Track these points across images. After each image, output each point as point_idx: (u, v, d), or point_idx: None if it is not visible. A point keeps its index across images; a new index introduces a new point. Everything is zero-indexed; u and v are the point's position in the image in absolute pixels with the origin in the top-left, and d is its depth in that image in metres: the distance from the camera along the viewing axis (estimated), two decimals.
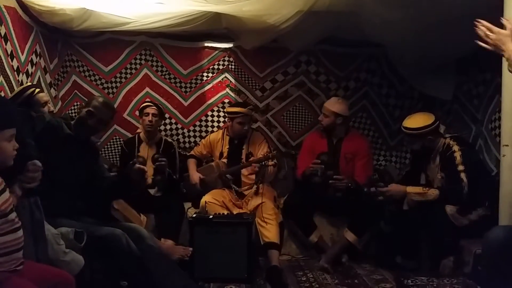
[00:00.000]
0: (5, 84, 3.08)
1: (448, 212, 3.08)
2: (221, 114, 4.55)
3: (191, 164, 4.03)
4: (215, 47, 4.55)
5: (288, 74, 4.63)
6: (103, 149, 4.41)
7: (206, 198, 3.59)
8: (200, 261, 3.15)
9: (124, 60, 4.47)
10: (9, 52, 3.17)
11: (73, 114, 3.97)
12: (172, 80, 4.55)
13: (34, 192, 1.90)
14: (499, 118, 2.96)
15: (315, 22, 3.59)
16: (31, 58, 3.56)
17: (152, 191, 3.79)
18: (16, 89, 3.09)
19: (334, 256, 3.50)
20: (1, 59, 3.07)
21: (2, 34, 3.09)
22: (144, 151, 3.91)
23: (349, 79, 4.66)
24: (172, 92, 4.55)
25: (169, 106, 4.52)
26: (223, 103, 4.54)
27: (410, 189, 3.22)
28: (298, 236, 3.79)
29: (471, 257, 2.92)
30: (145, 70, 4.51)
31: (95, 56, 4.41)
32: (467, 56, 3.84)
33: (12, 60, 3.21)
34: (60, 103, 4.19)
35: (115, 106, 4.31)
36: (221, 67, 4.58)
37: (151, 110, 3.88)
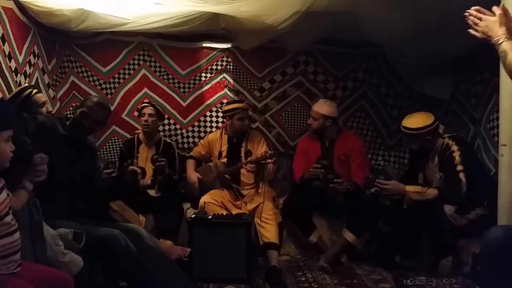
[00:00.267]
0: (3, 85, 3.07)
1: (447, 212, 3.08)
2: (220, 114, 4.55)
3: (190, 164, 4.03)
4: (213, 48, 4.56)
5: (286, 74, 4.63)
6: (101, 150, 4.41)
7: (205, 198, 3.59)
8: (199, 262, 3.14)
9: (122, 60, 4.47)
10: (7, 53, 3.17)
11: (71, 115, 3.96)
12: (171, 81, 4.55)
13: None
14: (497, 118, 2.97)
15: (313, 23, 3.60)
16: (29, 59, 3.55)
17: (151, 192, 3.78)
18: (14, 90, 3.09)
19: (333, 256, 3.50)
20: None
21: (0, 35, 3.08)
22: (144, 152, 3.92)
23: (347, 79, 4.66)
24: (171, 92, 4.55)
25: (168, 106, 4.52)
26: (222, 103, 4.53)
27: (409, 188, 3.22)
28: (297, 236, 3.79)
29: (470, 257, 2.91)
30: (143, 71, 4.51)
31: (93, 56, 4.40)
32: (465, 56, 3.84)
33: (10, 61, 3.20)
34: (58, 104, 4.19)
35: (114, 106, 4.35)
36: (219, 67, 4.58)
37: (148, 110, 3.88)
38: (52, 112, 3.30)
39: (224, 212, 3.48)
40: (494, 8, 1.98)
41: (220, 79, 4.59)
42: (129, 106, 4.50)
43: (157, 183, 3.77)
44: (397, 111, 4.68)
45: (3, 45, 3.13)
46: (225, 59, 4.58)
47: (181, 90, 4.57)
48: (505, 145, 2.59)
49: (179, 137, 4.58)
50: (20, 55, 3.40)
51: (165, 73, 4.53)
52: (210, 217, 3.31)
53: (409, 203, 3.21)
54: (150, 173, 3.73)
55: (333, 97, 4.54)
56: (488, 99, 3.66)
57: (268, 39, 4.13)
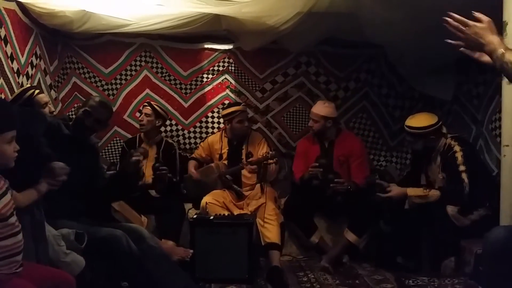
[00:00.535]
0: (5, 86, 3.08)
1: (449, 213, 3.08)
2: None
3: (191, 164, 4.04)
4: (215, 49, 4.56)
5: (288, 75, 4.64)
6: (103, 151, 4.42)
7: (206, 199, 3.59)
8: (201, 262, 3.14)
9: (124, 61, 4.48)
10: (9, 54, 3.18)
11: (73, 116, 3.97)
12: (172, 82, 4.56)
13: None
14: (500, 119, 2.96)
15: (315, 24, 3.60)
16: (31, 60, 3.56)
17: (152, 192, 3.79)
18: (16, 91, 3.10)
19: (335, 257, 3.50)
20: (1, 61, 3.08)
21: (2, 36, 3.09)
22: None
23: (349, 80, 4.67)
24: (172, 93, 4.56)
25: (169, 107, 4.52)
26: (223, 104, 4.52)
27: (411, 191, 3.20)
28: (298, 237, 3.78)
29: (472, 257, 2.91)
30: (145, 72, 4.51)
31: (95, 58, 4.41)
32: (467, 56, 3.83)
33: (12, 62, 3.21)
34: (60, 105, 4.20)
35: (116, 108, 4.35)
36: (221, 68, 4.59)
37: (145, 110, 3.92)
38: (54, 113, 3.31)
39: (226, 213, 3.48)
40: (479, 15, 1.77)
41: (222, 80, 4.60)
42: (131, 107, 4.51)
43: (157, 187, 3.77)
44: (399, 111, 4.68)
45: (6, 47, 3.14)
46: (226, 60, 4.58)
47: (183, 91, 4.58)
48: (507, 145, 2.59)
49: (180, 138, 4.59)
50: (22, 56, 3.41)
51: (167, 74, 4.54)
52: (211, 217, 3.31)
53: (411, 203, 3.21)
54: (149, 172, 3.74)
55: (335, 98, 4.55)
56: (490, 99, 3.65)
57: (270, 40, 4.14)
